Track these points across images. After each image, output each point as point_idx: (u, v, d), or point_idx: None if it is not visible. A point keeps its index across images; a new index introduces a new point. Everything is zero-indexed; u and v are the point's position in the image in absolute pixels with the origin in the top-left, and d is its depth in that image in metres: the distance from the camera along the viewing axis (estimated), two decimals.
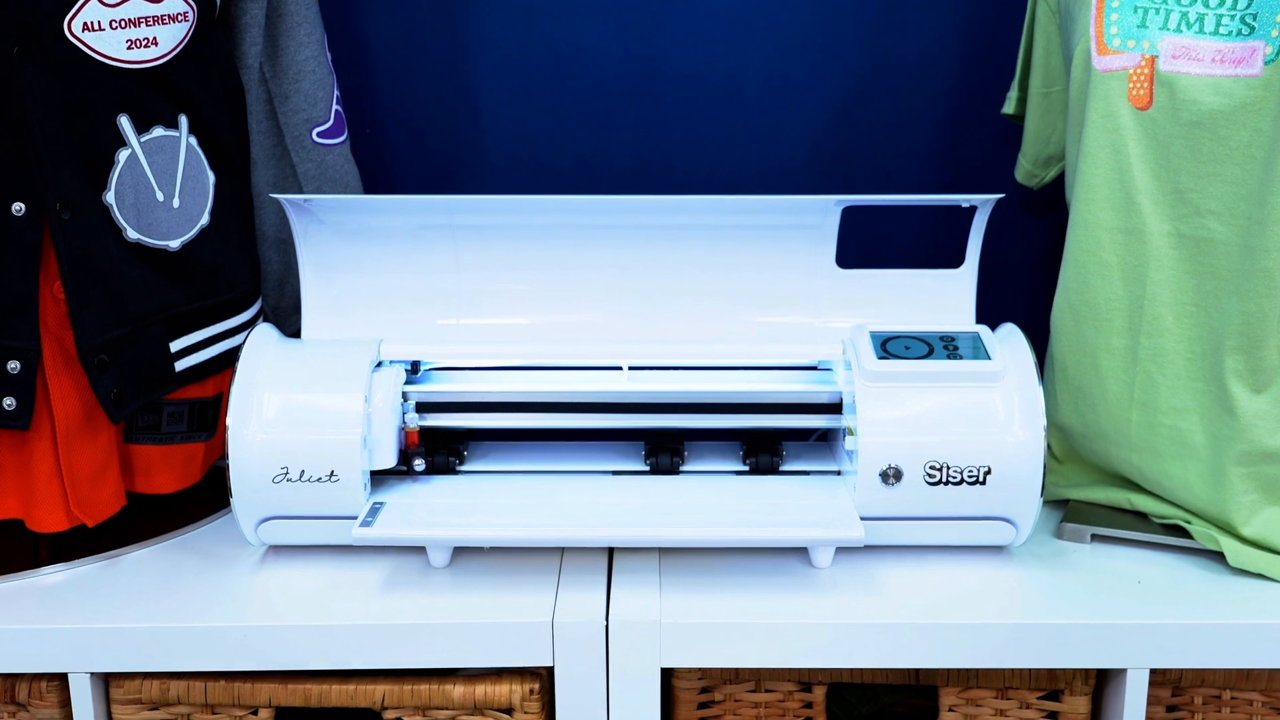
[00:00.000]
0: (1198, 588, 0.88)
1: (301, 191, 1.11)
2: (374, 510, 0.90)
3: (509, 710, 0.85)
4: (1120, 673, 0.85)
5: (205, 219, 0.97)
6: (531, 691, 0.85)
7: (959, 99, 1.24)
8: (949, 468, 0.88)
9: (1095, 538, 0.96)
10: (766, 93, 1.23)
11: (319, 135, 1.10)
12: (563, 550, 0.94)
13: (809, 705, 0.88)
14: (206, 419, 1.00)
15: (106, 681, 0.86)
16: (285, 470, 0.88)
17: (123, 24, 0.87)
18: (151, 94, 0.91)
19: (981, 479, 0.88)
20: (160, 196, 0.93)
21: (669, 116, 1.24)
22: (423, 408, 0.96)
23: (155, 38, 0.89)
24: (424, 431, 0.97)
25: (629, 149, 1.25)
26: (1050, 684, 0.86)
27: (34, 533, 0.92)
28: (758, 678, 0.87)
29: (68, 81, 0.86)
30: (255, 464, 0.88)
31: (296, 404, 0.89)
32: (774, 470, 0.99)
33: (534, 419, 0.97)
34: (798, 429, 0.99)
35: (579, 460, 1.01)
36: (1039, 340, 0.95)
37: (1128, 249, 0.90)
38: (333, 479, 0.88)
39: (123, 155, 0.90)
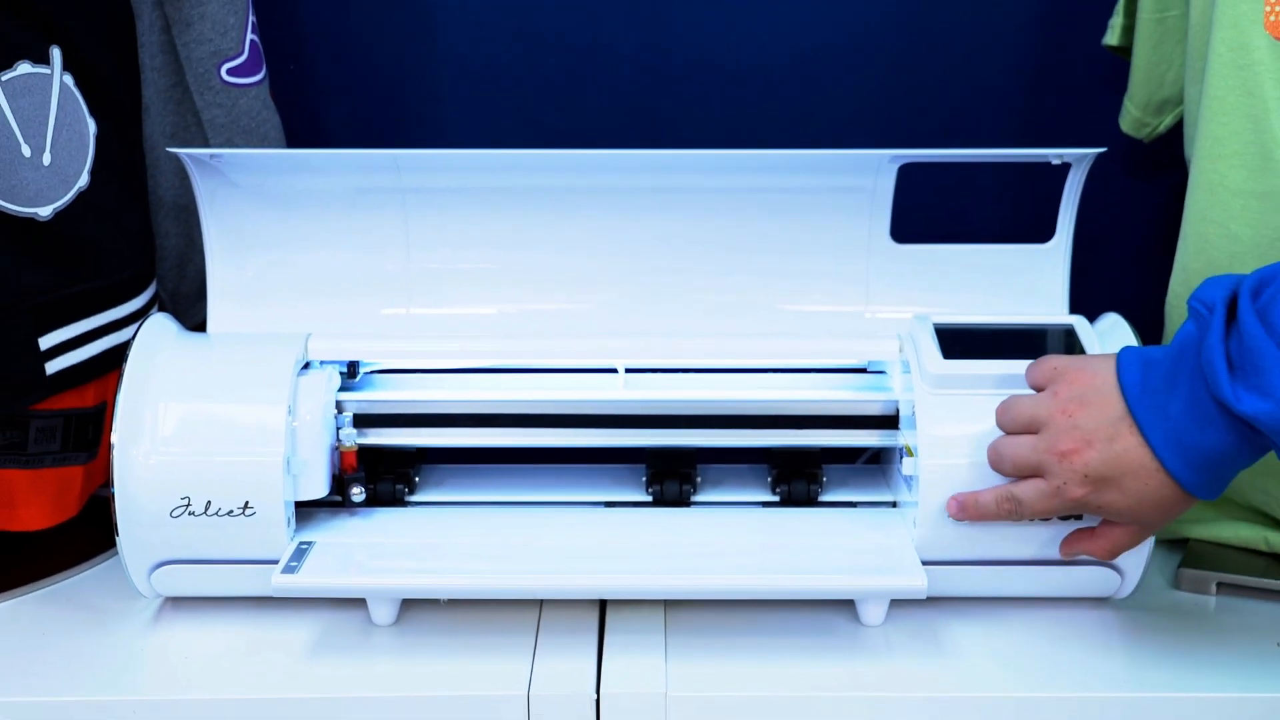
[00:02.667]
0: None
1: (207, 144, 1.11)
2: (300, 552, 0.89)
3: None
4: None
5: (84, 180, 0.96)
6: None
7: (1047, 27, 1.23)
8: None
9: (1222, 587, 0.95)
10: (803, 19, 1.23)
11: (229, 73, 1.10)
12: (541, 603, 0.93)
13: None
14: (85, 435, 0.99)
15: None
16: (186, 502, 0.88)
17: None
18: (15, 20, 0.90)
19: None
20: (26, 151, 0.92)
21: (678, 48, 1.24)
22: (362, 421, 0.96)
23: None
24: (364, 452, 0.96)
25: (627, 89, 1.25)
26: None
27: None
28: None
29: None
30: (148, 493, 0.88)
31: (200, 416, 0.89)
32: (811, 501, 0.98)
33: (504, 435, 0.97)
34: (842, 448, 0.99)
35: (563, 489, 1.01)
36: (1150, 335, 0.95)
37: (1264, 219, 0.90)
38: (247, 512, 0.88)
39: None
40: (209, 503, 0.88)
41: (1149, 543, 0.89)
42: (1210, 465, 0.77)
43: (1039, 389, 0.85)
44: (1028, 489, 0.83)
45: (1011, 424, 0.85)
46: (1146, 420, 0.78)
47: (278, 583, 0.86)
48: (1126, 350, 0.81)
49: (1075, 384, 0.82)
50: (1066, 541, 0.87)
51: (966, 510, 0.86)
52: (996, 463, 0.85)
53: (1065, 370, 0.83)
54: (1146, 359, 0.80)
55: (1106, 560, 0.87)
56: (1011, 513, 0.84)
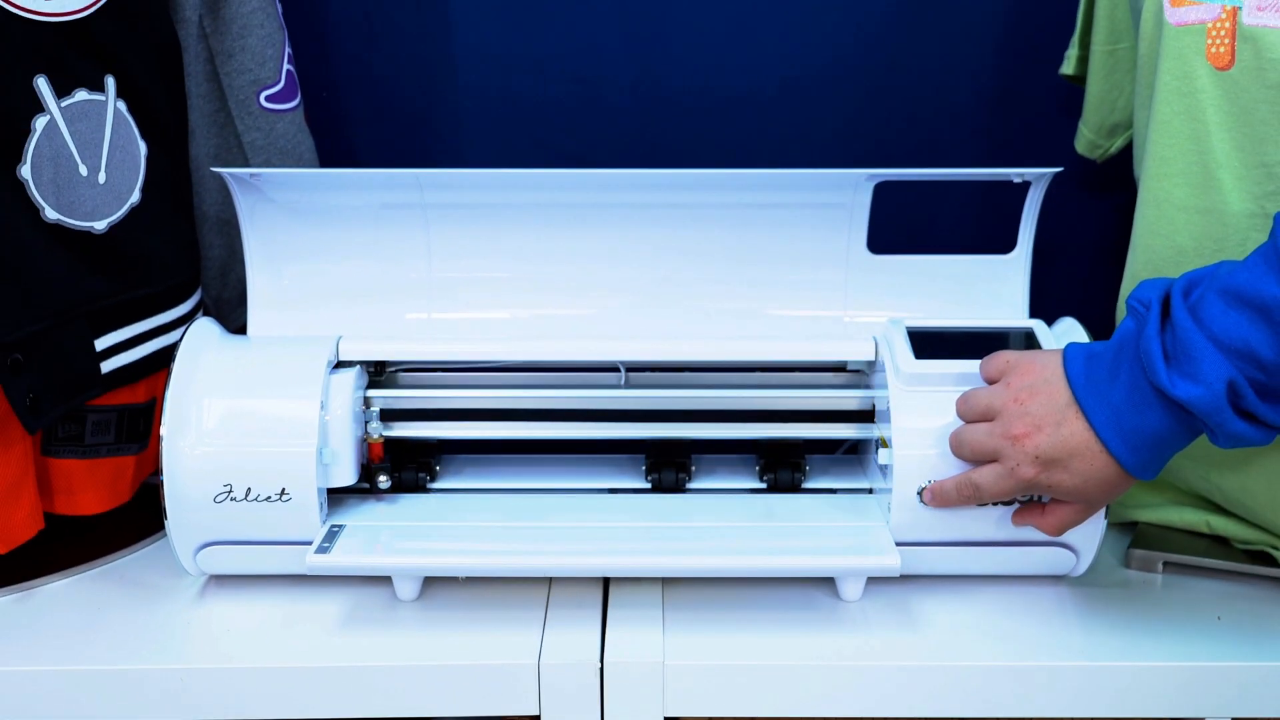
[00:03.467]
0: None
1: (247, 164, 1.11)
2: (331, 534, 0.89)
3: None
4: None
5: (136, 197, 0.96)
6: None
7: (1009, 58, 1.23)
8: None
9: (1168, 566, 0.95)
10: (788, 51, 1.23)
11: (268, 99, 1.10)
12: (550, 581, 0.93)
13: None
14: (137, 428, 0.99)
15: None
16: (228, 488, 0.88)
17: None
18: (74, 52, 0.90)
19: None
20: (84, 171, 0.92)
21: (674, 78, 1.24)
22: (388, 416, 0.96)
23: None
24: (390, 443, 0.97)
25: (628, 115, 1.25)
26: None
27: None
28: None
29: None
30: (194, 481, 0.88)
31: (241, 411, 0.89)
32: (795, 488, 0.98)
33: (517, 428, 0.97)
34: (823, 440, 0.99)
35: (570, 476, 1.01)
36: (1102, 336, 0.94)
37: (1205, 231, 0.90)
38: (284, 498, 0.88)
39: (40, 123, 0.89)
40: (249, 489, 0.88)
41: (1102, 525, 0.89)
42: (1148, 446, 0.78)
43: (992, 381, 0.86)
44: (984, 473, 0.83)
45: (969, 413, 0.86)
46: (1091, 406, 0.79)
47: (311, 562, 0.86)
48: (1072, 345, 0.83)
49: (1026, 375, 0.83)
50: (1018, 514, 0.87)
51: (935, 498, 0.86)
52: (957, 449, 0.86)
53: (1016, 363, 0.84)
54: (1090, 352, 0.81)
55: (1054, 536, 0.87)
56: (971, 497, 0.85)
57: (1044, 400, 0.81)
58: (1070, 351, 0.82)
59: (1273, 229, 0.74)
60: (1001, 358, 0.86)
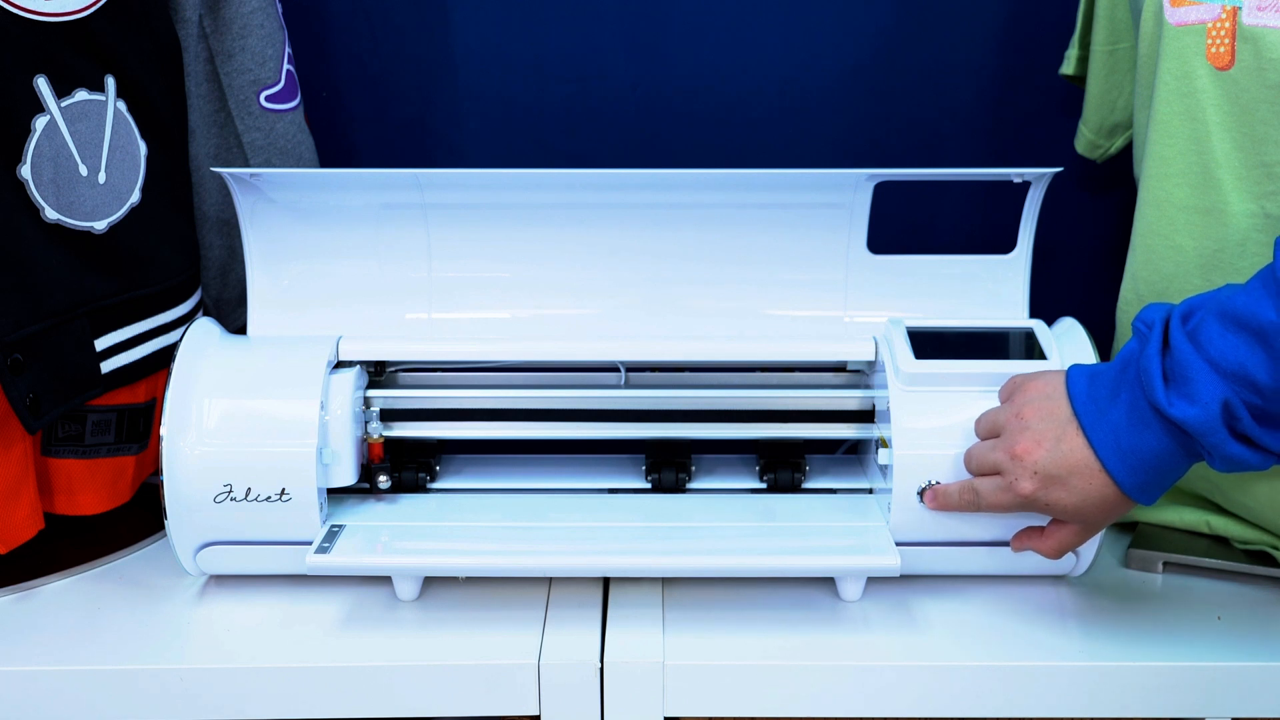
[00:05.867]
0: None
1: (247, 164, 1.11)
2: (331, 534, 0.89)
3: None
4: None
5: (136, 197, 0.96)
6: None
7: (1009, 58, 1.23)
8: None
9: (1168, 566, 0.95)
10: (786, 52, 1.23)
11: (268, 99, 1.09)
12: (550, 581, 0.93)
13: None
14: (137, 428, 0.99)
15: None
16: (229, 488, 0.88)
17: None
18: (74, 51, 0.90)
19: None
20: (84, 171, 0.92)
21: (673, 79, 1.24)
22: (388, 416, 0.96)
23: None
24: (390, 443, 0.96)
25: (627, 116, 1.25)
26: None
27: None
28: None
29: None
30: (194, 481, 0.88)
31: (241, 411, 0.89)
32: (795, 488, 0.98)
33: (517, 428, 0.97)
34: (823, 440, 0.99)
35: (570, 476, 1.01)
36: (1102, 337, 0.95)
37: (1206, 231, 0.90)
38: (284, 498, 0.88)
39: (40, 123, 0.89)
40: (249, 489, 0.88)
41: None
42: (1145, 468, 0.77)
43: (1005, 402, 0.86)
44: (985, 482, 0.84)
45: (980, 431, 0.86)
46: (1090, 423, 0.79)
47: (311, 562, 0.86)
48: (1076, 364, 0.83)
49: (1029, 392, 0.83)
50: (1017, 538, 0.88)
51: (936, 500, 0.87)
52: (967, 464, 0.86)
53: (1023, 382, 0.85)
54: (1093, 371, 0.81)
55: (1053, 559, 0.87)
56: (971, 503, 0.85)
57: (1045, 416, 0.81)
58: (1074, 370, 0.82)
59: (1275, 251, 0.74)
60: (1013, 379, 0.87)
